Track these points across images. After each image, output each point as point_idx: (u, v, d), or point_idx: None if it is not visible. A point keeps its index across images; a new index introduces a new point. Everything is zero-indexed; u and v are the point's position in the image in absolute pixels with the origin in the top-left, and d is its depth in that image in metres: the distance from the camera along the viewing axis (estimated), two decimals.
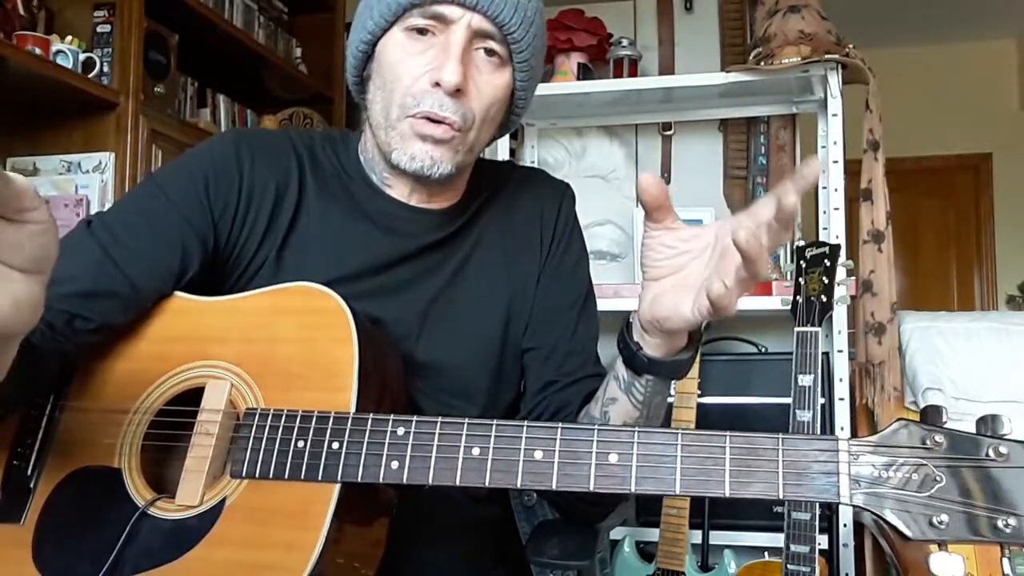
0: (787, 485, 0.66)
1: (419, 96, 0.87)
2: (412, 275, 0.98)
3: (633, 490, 0.69)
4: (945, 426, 0.66)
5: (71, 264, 0.82)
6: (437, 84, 0.86)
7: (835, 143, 2.17)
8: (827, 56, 2.13)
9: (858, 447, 0.66)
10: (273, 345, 0.84)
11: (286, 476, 0.77)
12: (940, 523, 0.63)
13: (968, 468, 0.63)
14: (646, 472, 0.69)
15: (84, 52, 2.02)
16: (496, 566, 1.07)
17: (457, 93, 0.87)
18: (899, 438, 0.65)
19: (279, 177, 0.95)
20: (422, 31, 0.88)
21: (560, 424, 0.73)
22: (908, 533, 0.63)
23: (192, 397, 0.84)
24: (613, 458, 0.70)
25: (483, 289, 1.01)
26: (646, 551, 2.18)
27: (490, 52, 0.89)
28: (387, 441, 0.76)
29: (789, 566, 1.71)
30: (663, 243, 0.76)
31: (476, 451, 0.73)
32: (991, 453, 0.63)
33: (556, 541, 1.13)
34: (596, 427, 0.72)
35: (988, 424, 0.65)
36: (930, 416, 0.66)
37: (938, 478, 0.64)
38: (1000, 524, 0.62)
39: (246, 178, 0.93)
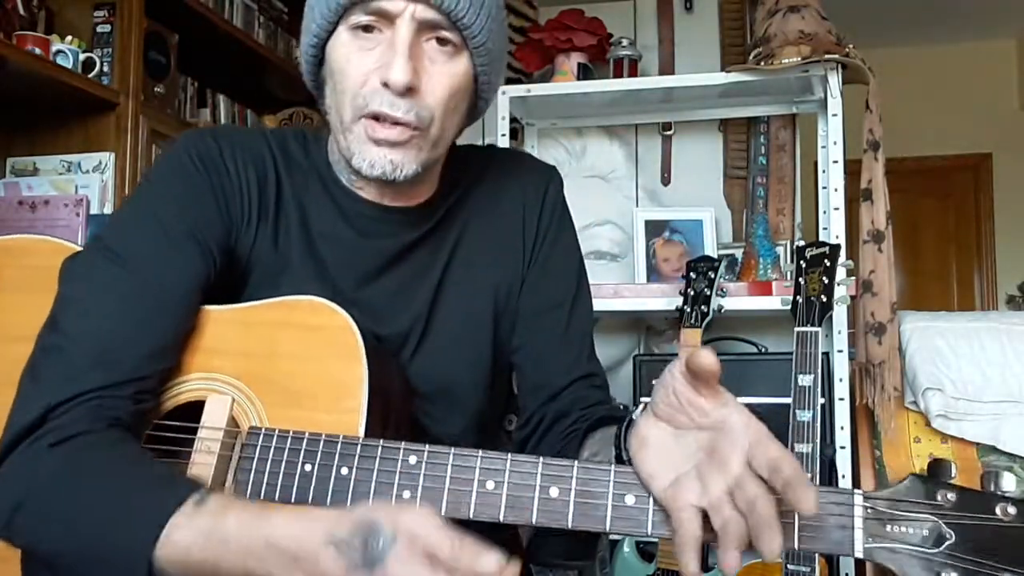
0: (803, 536, 0.67)
1: (368, 96, 0.82)
2: (400, 284, 0.95)
3: (650, 533, 0.69)
4: (955, 482, 0.67)
5: (121, 323, 0.80)
6: (386, 84, 0.82)
7: (835, 143, 2.17)
8: (827, 56, 2.13)
9: (871, 501, 0.67)
10: (276, 360, 0.82)
11: (292, 501, 0.75)
12: None
13: (977, 525, 0.65)
14: (663, 516, 0.68)
15: (84, 52, 2.02)
16: None
17: (408, 92, 0.82)
18: (911, 493, 0.67)
19: (258, 169, 0.92)
20: (367, 28, 0.83)
21: (576, 463, 0.71)
22: None
23: (193, 409, 0.82)
24: (630, 500, 0.69)
25: (470, 290, 0.98)
26: (646, 551, 2.18)
27: (442, 41, 0.84)
28: (398, 470, 0.74)
29: (789, 566, 1.71)
30: (690, 400, 0.68)
31: (490, 485, 0.71)
32: (999, 512, 0.65)
33: (559, 541, 1.13)
34: (613, 468, 0.71)
35: (993, 480, 0.66)
36: (939, 470, 0.68)
37: (947, 535, 0.65)
38: None
39: (232, 172, 0.90)
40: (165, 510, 0.67)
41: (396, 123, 0.83)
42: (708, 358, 0.64)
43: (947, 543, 0.65)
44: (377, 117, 0.83)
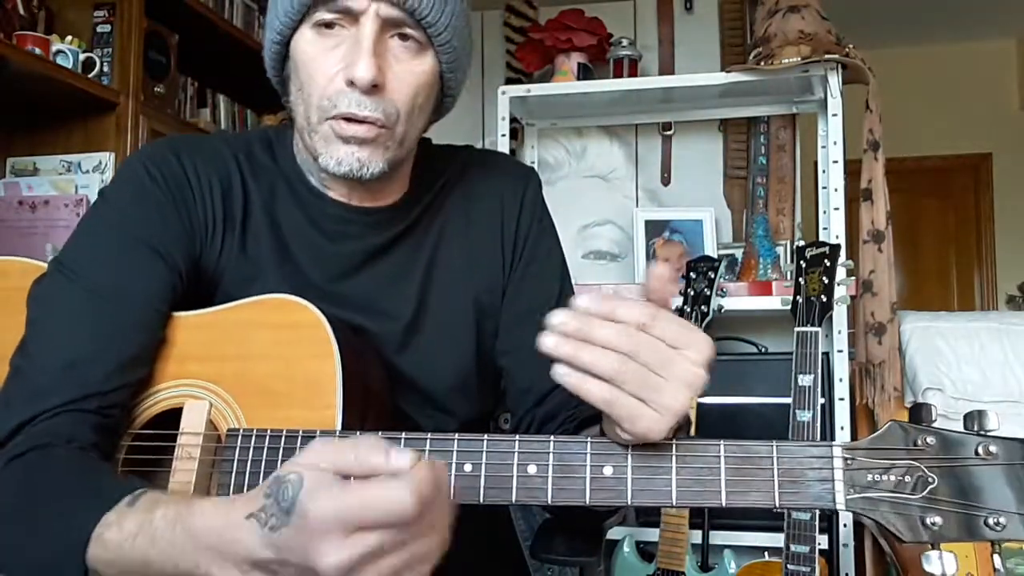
0: (783, 493, 0.66)
1: (335, 97, 0.82)
2: (376, 286, 0.93)
3: (629, 502, 0.69)
4: (935, 425, 0.66)
5: (87, 340, 0.80)
6: (352, 83, 0.81)
7: (835, 143, 2.17)
8: (827, 56, 2.13)
9: (852, 451, 0.66)
10: (251, 362, 0.81)
11: None
12: (933, 524, 0.63)
13: (959, 468, 0.64)
14: (642, 484, 0.68)
15: (84, 52, 2.02)
16: (489, 556, 1.05)
17: (374, 89, 0.82)
18: (891, 440, 0.66)
19: (221, 177, 0.91)
20: (330, 25, 0.83)
21: (552, 437, 0.71)
22: (902, 536, 0.64)
23: (172, 416, 0.82)
24: (608, 471, 0.69)
25: (451, 294, 0.97)
26: (646, 551, 2.18)
27: (405, 38, 0.84)
28: None
29: (789, 566, 1.71)
30: None
31: (468, 467, 0.71)
32: (980, 452, 0.64)
33: (562, 538, 1.13)
34: (589, 440, 0.70)
35: (975, 420, 0.65)
36: (920, 414, 0.67)
37: (930, 479, 0.64)
38: (991, 522, 0.63)
39: (193, 184, 0.89)
40: (97, 511, 0.66)
41: (364, 121, 0.83)
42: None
43: (929, 488, 0.64)
44: (347, 119, 0.83)
